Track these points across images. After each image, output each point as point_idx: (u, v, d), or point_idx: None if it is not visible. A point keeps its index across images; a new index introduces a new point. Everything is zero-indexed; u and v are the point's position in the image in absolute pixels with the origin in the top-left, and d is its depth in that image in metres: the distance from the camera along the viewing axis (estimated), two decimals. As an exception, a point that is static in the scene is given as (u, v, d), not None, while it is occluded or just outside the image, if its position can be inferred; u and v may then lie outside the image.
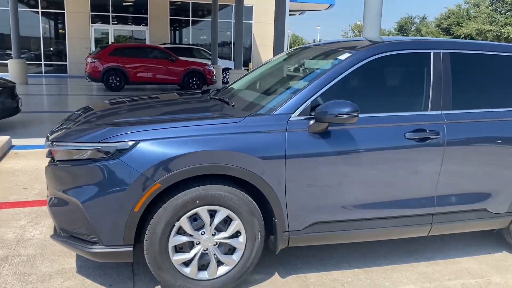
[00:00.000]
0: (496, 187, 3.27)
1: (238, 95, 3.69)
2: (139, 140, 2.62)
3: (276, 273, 3.15)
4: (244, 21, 22.12)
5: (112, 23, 21.80)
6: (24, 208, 4.16)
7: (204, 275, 2.80)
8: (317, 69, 3.30)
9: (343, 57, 3.11)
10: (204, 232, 2.76)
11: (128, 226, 2.61)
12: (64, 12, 20.83)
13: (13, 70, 15.67)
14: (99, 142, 2.64)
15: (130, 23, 22.35)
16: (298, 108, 2.87)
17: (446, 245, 3.71)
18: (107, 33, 21.76)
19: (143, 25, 22.25)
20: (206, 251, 2.79)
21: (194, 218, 2.73)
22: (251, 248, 2.84)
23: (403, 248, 3.62)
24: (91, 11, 21.15)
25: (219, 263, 2.83)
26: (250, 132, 2.75)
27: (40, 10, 20.61)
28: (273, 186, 2.78)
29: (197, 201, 2.67)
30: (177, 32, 23.28)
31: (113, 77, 14.72)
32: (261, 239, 2.86)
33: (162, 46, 17.96)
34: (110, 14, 21.59)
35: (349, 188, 2.94)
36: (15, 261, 3.16)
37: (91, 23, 21.26)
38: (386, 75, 3.32)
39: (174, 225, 2.67)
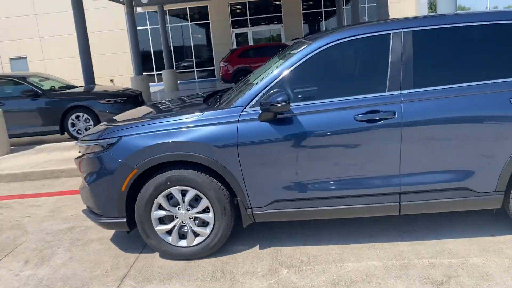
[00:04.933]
0: (476, 164, 3.10)
1: (227, 94, 4.04)
2: (121, 136, 3.37)
3: (258, 246, 3.58)
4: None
5: (250, 26, 23.49)
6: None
7: (183, 243, 3.43)
8: (278, 62, 3.56)
9: (300, 48, 3.36)
10: (180, 208, 3.38)
11: (118, 202, 3.39)
12: (209, 22, 23.30)
13: (165, 79, 18.38)
14: (98, 139, 3.49)
15: (265, 23, 23.74)
16: (252, 100, 3.26)
17: (446, 226, 3.59)
18: (246, 36, 23.55)
19: (277, 23, 23.41)
20: (185, 224, 3.41)
21: (171, 197, 3.38)
22: (219, 222, 3.35)
23: (397, 228, 3.64)
24: (231, 18, 23.18)
25: (195, 234, 3.42)
26: (206, 124, 3.26)
27: (189, 23, 23.45)
28: (231, 169, 3.24)
29: (168, 183, 3.31)
30: (310, 25, 23.83)
31: (242, 77, 16.10)
32: (227, 214, 3.34)
33: (295, 40, 18.74)
34: (248, 17, 23.28)
35: (302, 169, 3.20)
36: (76, 230, 4.26)
37: (232, 28, 23.28)
38: (342, 61, 3.40)
39: (153, 202, 3.36)
